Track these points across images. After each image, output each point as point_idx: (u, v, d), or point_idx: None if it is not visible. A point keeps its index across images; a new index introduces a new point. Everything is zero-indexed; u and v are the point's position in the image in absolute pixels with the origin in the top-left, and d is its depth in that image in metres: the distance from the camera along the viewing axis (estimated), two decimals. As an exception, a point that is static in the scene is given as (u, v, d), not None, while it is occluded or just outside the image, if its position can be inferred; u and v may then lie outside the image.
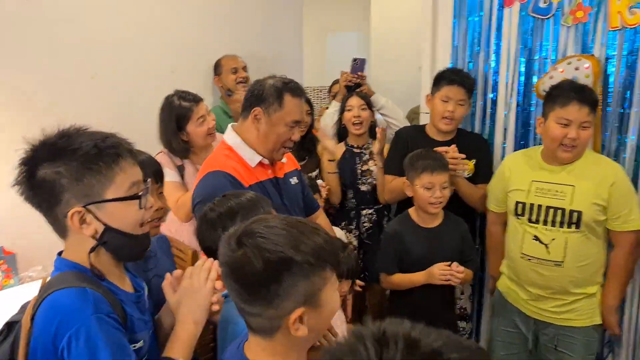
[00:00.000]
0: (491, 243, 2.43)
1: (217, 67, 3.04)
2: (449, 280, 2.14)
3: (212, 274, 1.25)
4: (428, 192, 2.19)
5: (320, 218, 2.27)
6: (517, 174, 2.19)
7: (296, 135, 1.93)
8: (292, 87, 1.89)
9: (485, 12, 2.58)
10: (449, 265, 2.15)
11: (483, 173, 2.46)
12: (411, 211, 2.33)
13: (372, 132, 2.92)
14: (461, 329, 2.61)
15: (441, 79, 2.47)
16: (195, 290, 1.24)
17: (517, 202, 2.14)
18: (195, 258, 1.97)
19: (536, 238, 2.09)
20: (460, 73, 2.51)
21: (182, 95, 2.42)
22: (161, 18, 3.01)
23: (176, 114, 2.39)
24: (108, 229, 1.13)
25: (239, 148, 1.92)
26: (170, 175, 2.34)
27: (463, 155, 2.37)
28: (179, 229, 2.38)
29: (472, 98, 2.55)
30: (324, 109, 3.27)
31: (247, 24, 3.32)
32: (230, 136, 1.96)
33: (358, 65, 3.02)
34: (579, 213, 2.01)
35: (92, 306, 1.05)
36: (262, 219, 1.03)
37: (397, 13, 4.80)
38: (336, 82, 3.65)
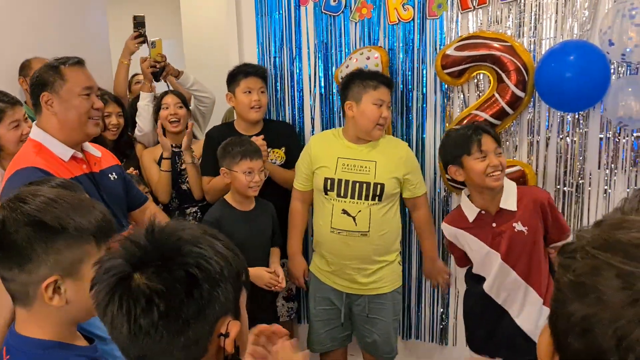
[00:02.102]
0: (293, 220, 2.54)
1: (24, 69, 2.81)
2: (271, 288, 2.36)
3: None
4: (249, 177, 2.31)
5: (151, 208, 2.23)
6: (323, 153, 2.37)
7: (98, 103, 1.89)
8: (65, 60, 1.85)
9: (284, 10, 2.78)
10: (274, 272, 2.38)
11: (294, 158, 2.64)
12: (227, 197, 2.43)
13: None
14: (289, 308, 2.76)
15: (237, 74, 2.60)
16: None
17: (326, 179, 2.32)
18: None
19: (344, 211, 2.31)
20: (253, 65, 2.69)
21: None
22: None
23: None
24: None
25: (48, 143, 1.83)
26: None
27: (265, 146, 2.53)
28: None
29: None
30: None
31: (52, 29, 3.12)
32: (36, 132, 1.86)
33: (155, 45, 2.98)
34: (382, 185, 2.28)
35: None
36: (35, 187, 1.05)
37: (205, 16, 4.85)
38: (135, 75, 3.63)
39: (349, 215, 2.32)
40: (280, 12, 2.79)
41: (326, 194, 2.34)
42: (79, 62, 1.87)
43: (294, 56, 2.82)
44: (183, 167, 2.72)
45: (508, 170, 2.32)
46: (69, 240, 0.98)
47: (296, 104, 2.86)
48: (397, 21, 2.55)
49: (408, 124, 2.63)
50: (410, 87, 2.59)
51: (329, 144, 2.40)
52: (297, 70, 2.82)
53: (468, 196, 2.16)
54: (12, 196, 1.01)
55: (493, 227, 2.07)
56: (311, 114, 2.83)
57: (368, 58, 2.56)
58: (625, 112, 2.11)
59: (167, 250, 0.78)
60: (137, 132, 2.91)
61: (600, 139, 2.30)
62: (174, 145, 2.74)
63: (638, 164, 2.26)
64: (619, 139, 2.27)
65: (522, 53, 2.26)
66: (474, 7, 2.39)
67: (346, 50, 2.69)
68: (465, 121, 2.38)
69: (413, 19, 2.52)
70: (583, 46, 2.14)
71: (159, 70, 2.93)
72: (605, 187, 2.33)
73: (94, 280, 0.80)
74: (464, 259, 2.25)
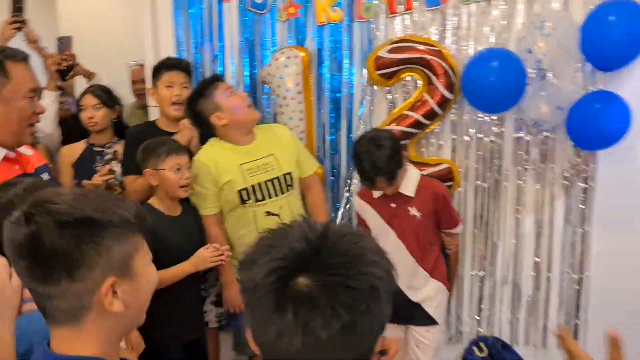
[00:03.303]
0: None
1: None
2: (221, 260, 2.18)
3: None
4: (178, 174, 2.18)
5: None
6: (223, 167, 2.25)
7: (39, 107, 1.68)
8: (10, 54, 1.62)
9: (206, 5, 2.67)
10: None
11: None
12: (153, 202, 2.27)
13: (117, 130, 2.72)
14: (219, 314, 2.64)
15: (160, 68, 2.49)
16: None
17: (240, 191, 2.24)
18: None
19: (268, 213, 2.28)
20: (176, 59, 2.59)
21: None
22: None
23: None
24: None
25: None
26: None
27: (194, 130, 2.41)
28: None
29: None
30: None
31: None
32: None
33: (64, 44, 2.77)
34: (289, 173, 2.30)
35: None
36: (49, 191, 0.90)
37: (87, 12, 4.48)
38: None
39: (273, 214, 2.29)
40: (201, 6, 2.67)
41: (244, 203, 2.28)
42: (25, 59, 1.64)
43: (215, 54, 2.71)
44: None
45: (437, 168, 2.48)
46: (116, 234, 0.85)
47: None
48: (326, 22, 2.57)
49: (337, 125, 2.66)
50: (338, 87, 2.63)
51: (221, 156, 2.27)
52: (220, 68, 2.72)
53: None
54: (33, 202, 0.84)
55: (392, 207, 2.26)
56: (235, 114, 2.74)
57: (289, 57, 2.55)
58: (538, 114, 2.34)
59: (351, 257, 0.73)
60: (38, 133, 2.61)
61: (515, 138, 2.52)
62: (96, 144, 2.55)
63: (546, 161, 2.51)
64: (530, 139, 2.50)
65: (449, 57, 2.40)
66: (400, 12, 2.49)
67: (272, 49, 2.65)
68: (395, 122, 2.48)
69: (342, 21, 2.56)
70: (504, 53, 2.33)
71: (66, 69, 2.68)
72: (519, 182, 2.56)
73: (248, 283, 0.72)
74: (367, 230, 2.38)
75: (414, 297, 2.31)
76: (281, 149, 2.33)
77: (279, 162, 2.30)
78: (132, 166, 2.42)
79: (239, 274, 0.78)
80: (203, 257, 2.17)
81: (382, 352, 0.75)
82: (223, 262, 2.20)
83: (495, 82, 2.29)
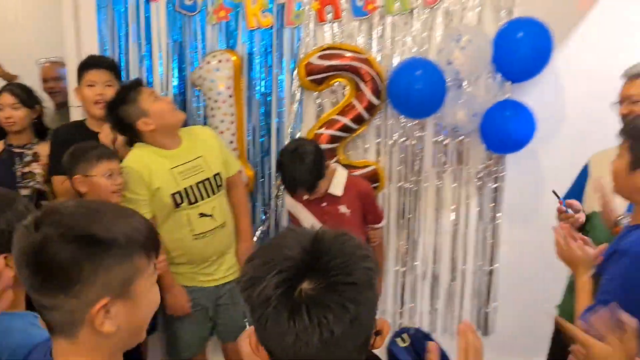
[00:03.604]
0: None
1: None
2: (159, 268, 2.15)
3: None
4: (110, 180, 2.13)
5: None
6: (154, 171, 2.23)
7: None
8: None
9: (131, 4, 2.62)
10: None
11: None
12: None
13: (37, 130, 2.58)
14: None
15: (83, 67, 2.43)
16: None
17: (173, 194, 2.23)
18: None
19: (202, 214, 2.30)
20: (100, 57, 2.54)
21: None
22: None
23: None
24: None
25: None
26: None
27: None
28: None
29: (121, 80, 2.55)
30: None
31: None
32: None
33: None
34: (219, 174, 2.34)
35: None
36: (61, 201, 0.90)
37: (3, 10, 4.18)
38: None
39: (206, 215, 2.31)
40: (126, 6, 2.61)
41: (177, 207, 2.28)
42: None
43: (142, 55, 2.67)
44: (25, 170, 2.39)
45: (364, 170, 2.63)
46: (119, 255, 0.84)
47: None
48: (256, 27, 2.61)
49: (267, 128, 2.72)
50: (268, 91, 2.68)
51: (154, 161, 2.24)
52: (147, 69, 2.68)
53: None
54: (46, 210, 0.84)
55: (323, 206, 2.41)
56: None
57: (220, 61, 2.58)
58: (456, 120, 2.54)
59: (347, 256, 0.79)
60: None
61: (434, 142, 2.71)
62: (14, 145, 2.41)
63: (462, 162, 2.72)
64: (448, 142, 2.71)
65: (376, 65, 2.54)
66: (329, 20, 2.59)
67: (202, 52, 2.65)
68: (325, 126, 2.58)
69: (272, 26, 2.61)
70: (427, 63, 2.50)
71: None
72: (437, 182, 2.76)
73: (257, 299, 0.76)
74: (298, 225, 2.50)
75: None
76: (208, 151, 2.35)
77: (208, 163, 2.32)
78: (59, 166, 2.33)
79: (242, 295, 0.82)
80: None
81: (377, 333, 0.84)
82: (159, 269, 2.18)
83: (420, 90, 2.45)
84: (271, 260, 0.79)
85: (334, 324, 0.75)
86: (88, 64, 2.42)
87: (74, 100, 2.62)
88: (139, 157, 2.24)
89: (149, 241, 0.90)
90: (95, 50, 2.64)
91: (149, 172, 2.21)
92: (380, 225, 2.57)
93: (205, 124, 2.66)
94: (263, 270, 0.78)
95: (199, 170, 2.29)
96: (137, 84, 2.24)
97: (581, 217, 1.94)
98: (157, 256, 0.93)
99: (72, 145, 2.26)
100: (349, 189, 2.40)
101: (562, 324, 1.12)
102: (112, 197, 2.14)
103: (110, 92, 2.38)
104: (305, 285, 0.76)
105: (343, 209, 2.41)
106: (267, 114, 2.71)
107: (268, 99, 2.69)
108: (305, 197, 2.38)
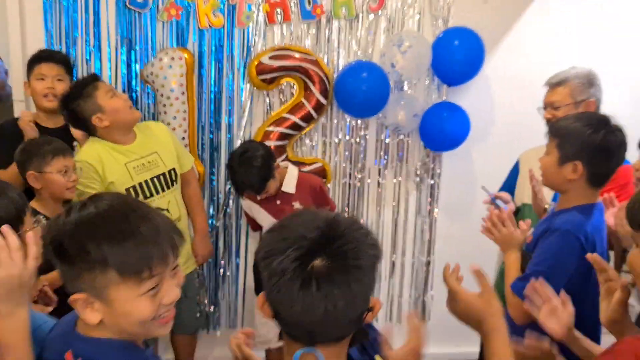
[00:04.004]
0: None
1: None
2: None
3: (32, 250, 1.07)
4: (65, 177, 2.12)
5: None
6: (108, 166, 2.26)
7: None
8: None
9: (79, -3, 2.60)
10: None
11: None
12: (35, 205, 2.17)
13: None
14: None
15: (34, 60, 2.40)
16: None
17: (127, 189, 2.27)
18: None
19: (158, 208, 2.33)
20: (51, 50, 2.51)
21: None
22: None
23: None
24: None
25: None
26: None
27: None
28: None
29: (73, 74, 2.53)
30: None
31: None
32: None
33: None
34: (174, 169, 2.40)
35: None
36: (84, 202, 1.01)
37: None
38: None
39: (162, 210, 2.35)
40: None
41: None
42: None
43: (91, 49, 2.65)
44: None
45: (313, 166, 2.75)
46: (88, 266, 0.95)
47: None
48: (208, 26, 2.67)
49: (217, 125, 2.78)
50: (219, 90, 2.75)
51: (108, 155, 2.27)
52: (95, 64, 2.66)
53: None
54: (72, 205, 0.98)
55: (277, 204, 2.49)
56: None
57: (173, 59, 2.62)
58: (397, 120, 2.71)
59: (359, 243, 0.90)
60: None
61: (377, 140, 2.87)
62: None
63: (402, 160, 2.90)
64: (389, 141, 2.88)
65: (324, 66, 2.67)
66: (279, 22, 2.70)
67: (152, 49, 2.67)
68: (274, 124, 2.68)
69: (223, 26, 2.68)
70: (372, 66, 2.66)
71: None
72: (379, 179, 2.92)
73: (275, 270, 0.86)
74: (255, 225, 2.66)
75: None
76: (163, 146, 2.39)
77: (163, 159, 2.36)
78: (3, 160, 2.29)
79: (261, 263, 0.91)
80: None
81: (369, 309, 0.96)
82: None
83: (365, 91, 2.60)
84: (290, 237, 0.89)
85: (338, 299, 0.86)
86: (39, 57, 2.39)
87: (19, 94, 2.58)
88: (93, 152, 2.25)
89: (137, 267, 0.95)
90: (41, 45, 2.60)
91: (104, 167, 2.23)
92: None
93: (155, 119, 2.68)
94: (283, 244, 0.88)
95: (154, 166, 2.33)
96: (94, 79, 2.24)
97: (511, 206, 2.15)
98: (153, 276, 0.97)
99: (18, 139, 2.24)
100: (301, 185, 2.49)
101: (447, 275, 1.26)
102: (66, 194, 2.13)
103: (60, 86, 2.36)
104: (318, 262, 0.86)
105: (297, 205, 2.48)
106: (217, 112, 2.77)
107: (218, 97, 2.75)
108: (258, 197, 2.46)
